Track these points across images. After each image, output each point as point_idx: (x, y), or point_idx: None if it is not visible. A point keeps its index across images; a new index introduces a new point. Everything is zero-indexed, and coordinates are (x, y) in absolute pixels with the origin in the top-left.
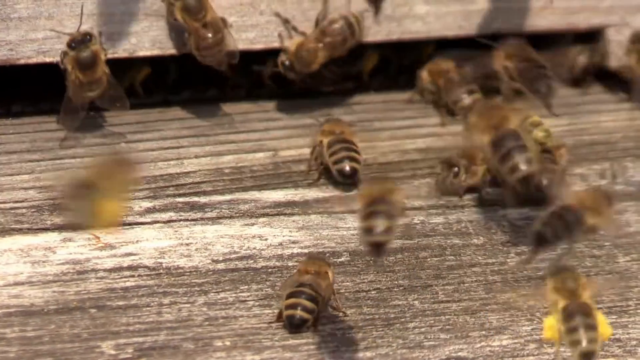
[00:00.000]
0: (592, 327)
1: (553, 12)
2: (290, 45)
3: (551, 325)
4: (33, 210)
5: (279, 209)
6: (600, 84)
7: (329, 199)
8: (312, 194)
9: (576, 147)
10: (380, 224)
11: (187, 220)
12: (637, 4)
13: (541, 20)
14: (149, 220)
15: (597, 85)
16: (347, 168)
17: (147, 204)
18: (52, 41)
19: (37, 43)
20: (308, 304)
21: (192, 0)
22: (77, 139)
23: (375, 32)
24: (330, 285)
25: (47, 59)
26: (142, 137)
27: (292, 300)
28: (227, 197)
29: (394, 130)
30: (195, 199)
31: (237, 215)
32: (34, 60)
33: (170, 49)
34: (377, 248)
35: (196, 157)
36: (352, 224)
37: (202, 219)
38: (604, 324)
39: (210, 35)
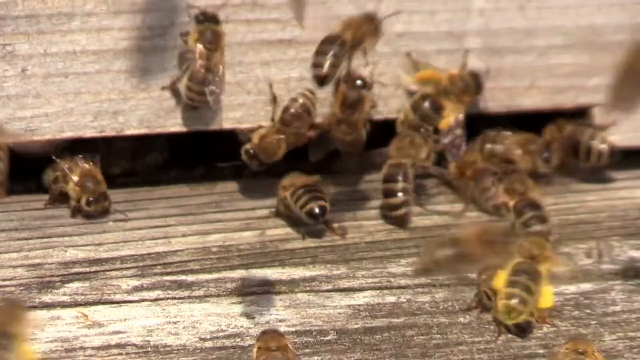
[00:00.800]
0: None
1: (539, 91)
2: (254, 136)
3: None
4: (21, 288)
5: (266, 288)
6: None
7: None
8: (299, 272)
9: (562, 226)
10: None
11: (174, 298)
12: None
13: (527, 99)
14: (136, 298)
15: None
16: (316, 209)
17: (134, 282)
18: (39, 119)
19: (25, 121)
20: None
21: (209, 32)
22: (64, 217)
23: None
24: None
25: (35, 137)
26: (129, 215)
27: None
28: (215, 275)
29: (380, 209)
30: (183, 277)
31: (225, 293)
32: (22, 139)
33: (158, 128)
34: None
35: (183, 235)
36: (338, 302)
37: (189, 297)
38: (546, 294)
39: (204, 69)
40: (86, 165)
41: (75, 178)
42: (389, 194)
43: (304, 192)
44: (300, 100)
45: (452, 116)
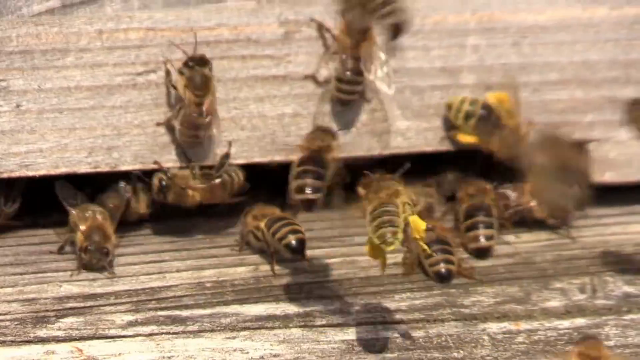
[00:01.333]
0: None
1: (534, 128)
2: (176, 174)
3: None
4: (16, 323)
5: (260, 323)
6: None
7: None
8: (293, 308)
9: (556, 261)
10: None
11: (169, 333)
12: (618, 118)
13: None
14: (131, 333)
15: None
16: (294, 242)
17: (129, 317)
18: (34, 155)
19: (20, 157)
20: None
21: (198, 77)
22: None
23: (356, 147)
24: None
25: (30, 173)
26: (124, 251)
27: None
28: (209, 310)
29: None
30: (177, 312)
31: (219, 328)
32: (16, 174)
33: (152, 164)
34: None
35: (178, 271)
36: (332, 337)
37: (184, 332)
38: (416, 222)
39: (196, 114)
40: (98, 217)
41: (82, 228)
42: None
43: (281, 224)
44: (220, 179)
45: None
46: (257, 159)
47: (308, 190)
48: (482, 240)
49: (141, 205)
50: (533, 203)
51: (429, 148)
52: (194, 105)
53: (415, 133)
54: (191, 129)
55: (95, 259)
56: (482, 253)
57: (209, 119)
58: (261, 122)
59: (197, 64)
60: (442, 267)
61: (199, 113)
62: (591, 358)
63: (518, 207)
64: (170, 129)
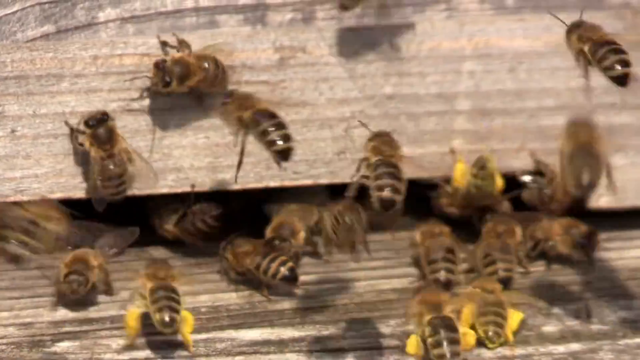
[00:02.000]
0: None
1: (530, 153)
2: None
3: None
4: (12, 347)
5: (255, 348)
6: None
7: None
8: (288, 333)
9: (552, 286)
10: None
11: (164, 357)
12: (614, 145)
13: (517, 161)
14: (126, 358)
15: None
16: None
17: (125, 342)
18: (29, 180)
19: (15, 182)
20: None
21: (102, 131)
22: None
23: (352, 173)
24: None
25: (25, 198)
26: (119, 276)
27: None
28: (204, 335)
29: (369, 270)
30: (173, 337)
31: (214, 353)
32: (11, 199)
33: (147, 190)
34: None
35: None
36: None
37: (179, 357)
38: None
39: (112, 167)
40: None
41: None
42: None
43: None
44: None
45: None
46: (252, 184)
47: (389, 191)
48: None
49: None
50: (558, 237)
51: (424, 174)
52: (106, 158)
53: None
54: (113, 180)
55: (69, 290)
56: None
57: (124, 165)
58: (256, 148)
59: (98, 121)
60: None
61: (113, 164)
62: (431, 303)
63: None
64: (165, 155)
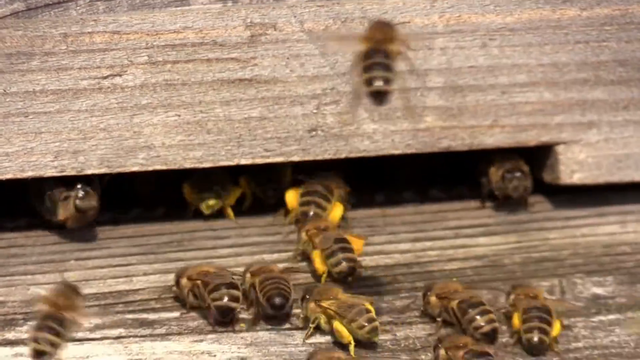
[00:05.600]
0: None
1: (502, 129)
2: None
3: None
4: None
5: (227, 326)
6: (548, 201)
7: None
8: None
9: (525, 264)
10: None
11: (136, 336)
12: (588, 120)
13: (489, 138)
14: (98, 336)
15: (545, 201)
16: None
17: (96, 321)
18: (0, 159)
19: None
20: None
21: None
22: (27, 256)
23: (323, 150)
24: None
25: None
26: (90, 254)
27: None
28: (176, 313)
29: None
30: (145, 315)
31: (186, 331)
32: None
33: (118, 168)
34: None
35: (145, 274)
36: (300, 340)
37: (151, 335)
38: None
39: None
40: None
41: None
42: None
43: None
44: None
45: None
46: (224, 162)
47: (379, 83)
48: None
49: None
50: None
51: (396, 151)
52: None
53: (383, 136)
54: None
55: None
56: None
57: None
58: (228, 125)
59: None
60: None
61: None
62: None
63: None
64: (136, 133)
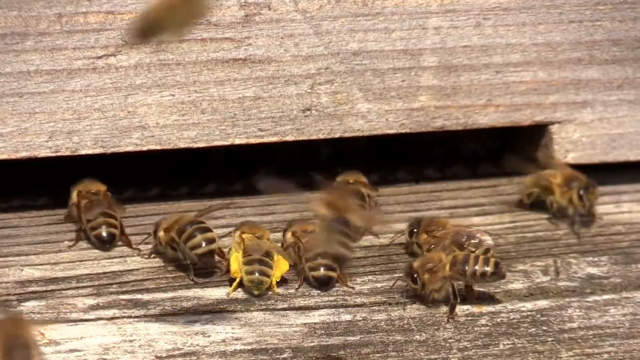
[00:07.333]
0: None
1: (496, 109)
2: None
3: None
4: None
5: (221, 306)
6: None
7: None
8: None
9: (519, 243)
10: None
11: (130, 317)
12: (582, 99)
13: (484, 117)
14: (92, 317)
15: None
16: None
17: (90, 301)
18: None
19: None
20: None
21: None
22: (20, 237)
23: (318, 130)
24: None
25: None
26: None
27: None
28: (170, 294)
29: None
30: (139, 296)
31: (180, 312)
32: None
33: (112, 148)
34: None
35: (139, 255)
36: (294, 320)
37: (145, 315)
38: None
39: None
40: None
41: None
42: None
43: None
44: None
45: None
46: (218, 142)
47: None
48: None
49: None
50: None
51: (390, 131)
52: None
53: (377, 116)
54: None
55: None
56: None
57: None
58: (222, 105)
59: None
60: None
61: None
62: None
63: None
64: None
